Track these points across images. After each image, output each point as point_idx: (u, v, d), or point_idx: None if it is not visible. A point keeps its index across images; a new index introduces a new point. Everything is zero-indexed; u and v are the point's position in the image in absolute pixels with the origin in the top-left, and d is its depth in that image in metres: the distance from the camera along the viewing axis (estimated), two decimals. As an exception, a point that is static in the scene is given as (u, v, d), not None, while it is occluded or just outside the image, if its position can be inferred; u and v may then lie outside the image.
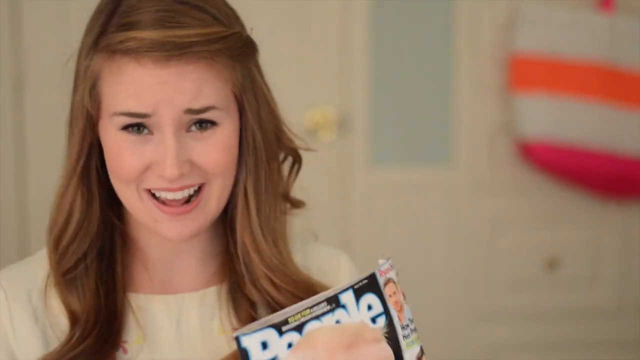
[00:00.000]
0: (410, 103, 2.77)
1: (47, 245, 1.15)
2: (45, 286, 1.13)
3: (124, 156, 1.07)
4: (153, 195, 1.09)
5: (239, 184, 1.13)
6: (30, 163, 2.61)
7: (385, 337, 0.97)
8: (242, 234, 1.13)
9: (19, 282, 1.14)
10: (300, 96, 2.74)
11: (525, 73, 2.68)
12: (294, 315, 0.93)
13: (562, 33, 2.67)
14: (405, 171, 2.79)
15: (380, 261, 1.00)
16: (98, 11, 1.09)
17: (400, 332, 0.98)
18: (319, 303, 0.94)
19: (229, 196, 1.13)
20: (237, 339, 0.92)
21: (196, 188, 1.09)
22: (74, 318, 1.11)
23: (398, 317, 0.98)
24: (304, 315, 0.93)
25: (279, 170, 1.20)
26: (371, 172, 2.77)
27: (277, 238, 1.16)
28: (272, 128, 1.16)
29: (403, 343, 0.98)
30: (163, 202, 1.08)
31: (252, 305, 1.14)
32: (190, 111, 1.05)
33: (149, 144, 1.06)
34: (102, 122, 1.09)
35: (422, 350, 1.00)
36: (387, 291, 0.98)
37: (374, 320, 0.97)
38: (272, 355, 0.92)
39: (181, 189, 1.07)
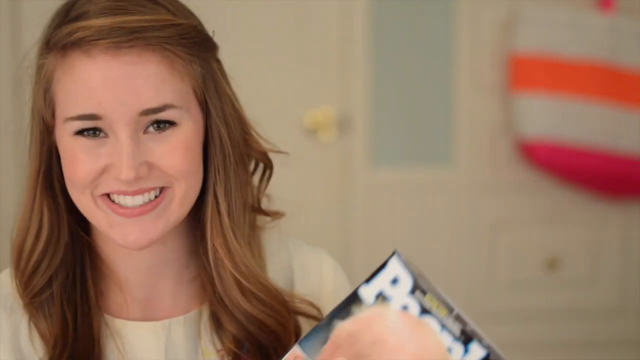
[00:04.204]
0: (410, 103, 2.77)
1: (13, 265, 1.09)
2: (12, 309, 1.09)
3: (78, 161, 1.02)
4: (111, 199, 1.04)
5: (208, 187, 1.07)
6: (30, 163, 2.61)
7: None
8: (212, 237, 1.08)
9: None
10: (300, 96, 2.74)
11: (525, 73, 2.68)
12: (432, 299, 0.93)
13: (562, 33, 2.67)
14: (405, 171, 2.79)
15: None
16: (54, 13, 1.07)
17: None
18: (456, 314, 0.93)
19: (201, 205, 1.08)
20: (394, 253, 0.93)
21: (157, 192, 1.03)
22: (47, 343, 1.07)
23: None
24: (437, 307, 0.93)
25: (249, 174, 1.13)
26: (371, 172, 2.77)
27: (250, 243, 1.11)
28: (238, 128, 1.09)
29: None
30: (120, 206, 1.03)
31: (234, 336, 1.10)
32: (146, 112, 1.00)
33: (104, 146, 1.01)
34: (57, 128, 1.04)
35: None
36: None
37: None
38: (389, 295, 0.93)
39: (139, 192, 1.02)
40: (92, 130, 1.01)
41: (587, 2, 2.74)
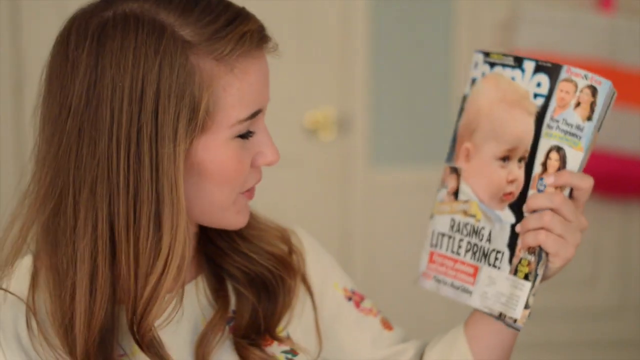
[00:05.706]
0: (410, 103, 2.77)
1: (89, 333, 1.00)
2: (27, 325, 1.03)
3: (238, 161, 1.03)
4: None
5: None
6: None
7: (536, 116, 1.10)
8: None
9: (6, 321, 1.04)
10: (300, 96, 2.74)
11: (525, 73, 2.68)
12: (496, 54, 1.15)
13: (562, 33, 2.67)
14: (405, 171, 2.79)
15: (586, 73, 1.10)
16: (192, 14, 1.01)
17: (546, 120, 1.09)
18: (509, 56, 1.14)
19: None
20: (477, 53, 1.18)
21: None
22: None
23: (554, 109, 1.09)
24: (498, 58, 1.15)
25: None
26: (371, 172, 2.77)
27: None
28: None
29: (543, 130, 1.10)
30: (248, 191, 1.09)
31: (222, 281, 1.14)
32: None
33: (247, 141, 1.05)
34: (210, 135, 1.01)
35: (558, 150, 1.12)
36: (561, 86, 1.09)
37: (535, 96, 1.11)
38: (474, 76, 1.17)
39: None
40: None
41: (587, 2, 2.74)
